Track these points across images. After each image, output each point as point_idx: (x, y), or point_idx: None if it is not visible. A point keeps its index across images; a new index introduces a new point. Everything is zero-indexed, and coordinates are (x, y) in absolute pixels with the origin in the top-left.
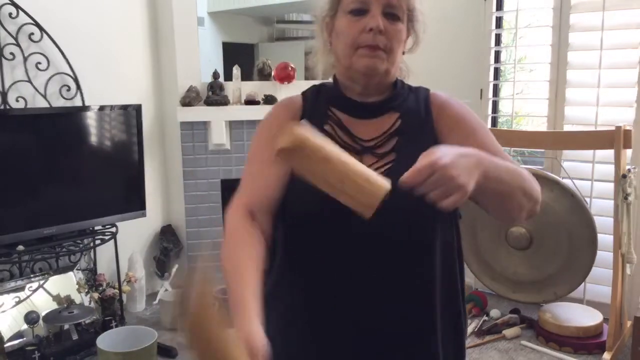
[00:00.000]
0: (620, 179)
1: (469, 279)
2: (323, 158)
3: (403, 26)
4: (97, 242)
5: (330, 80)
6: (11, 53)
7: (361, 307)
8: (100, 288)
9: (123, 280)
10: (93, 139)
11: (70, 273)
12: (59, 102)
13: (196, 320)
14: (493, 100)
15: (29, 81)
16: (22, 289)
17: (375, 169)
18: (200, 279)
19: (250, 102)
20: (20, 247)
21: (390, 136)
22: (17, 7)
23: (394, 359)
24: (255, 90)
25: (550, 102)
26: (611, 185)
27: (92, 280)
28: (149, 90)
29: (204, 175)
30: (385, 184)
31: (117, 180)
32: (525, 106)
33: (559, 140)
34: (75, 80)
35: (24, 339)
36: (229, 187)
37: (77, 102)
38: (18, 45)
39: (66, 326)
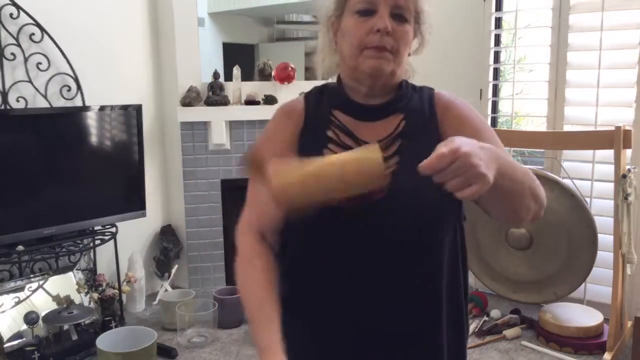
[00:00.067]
0: (620, 179)
1: (470, 279)
2: (313, 178)
3: (410, 27)
4: (97, 242)
5: (334, 80)
6: (12, 53)
7: (363, 307)
8: (100, 288)
9: (123, 281)
10: (93, 139)
11: (70, 273)
12: (59, 102)
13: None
14: (493, 101)
15: (30, 81)
16: (21, 289)
17: None
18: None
19: (251, 102)
20: (20, 247)
21: (394, 139)
22: (18, 7)
23: (396, 359)
24: (255, 91)
25: (549, 102)
26: (611, 185)
27: (91, 281)
28: (150, 91)
29: (204, 175)
30: (371, 145)
31: (117, 180)
32: (524, 106)
33: (559, 140)
34: (76, 80)
35: (24, 339)
36: (229, 187)
37: (78, 102)
38: (19, 45)
39: (66, 326)
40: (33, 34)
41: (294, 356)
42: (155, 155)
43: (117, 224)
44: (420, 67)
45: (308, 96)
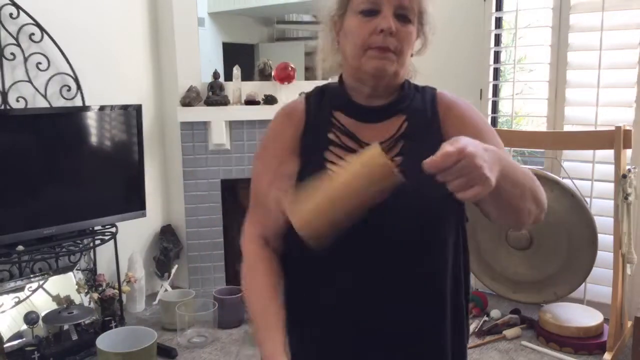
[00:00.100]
0: (621, 179)
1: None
2: (327, 203)
3: (413, 28)
4: (97, 242)
5: (335, 80)
6: (12, 53)
7: (364, 307)
8: (100, 288)
9: (123, 281)
10: (93, 139)
11: (70, 273)
12: (59, 102)
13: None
14: (493, 101)
15: (30, 81)
16: (21, 289)
17: None
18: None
19: (251, 102)
20: (20, 247)
21: (396, 140)
22: (17, 7)
23: (398, 359)
24: (255, 91)
25: (550, 102)
26: (611, 185)
27: (91, 281)
28: (149, 91)
29: (204, 175)
30: (372, 147)
31: (117, 180)
32: (525, 106)
33: (559, 140)
34: (76, 80)
35: (24, 339)
36: (229, 187)
37: (78, 102)
38: (19, 45)
39: (66, 326)
40: (33, 33)
41: (294, 356)
42: (155, 155)
43: (117, 224)
44: (420, 67)
45: (309, 97)
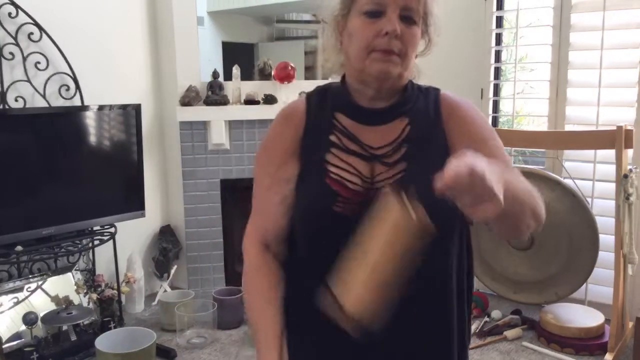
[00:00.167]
0: (622, 179)
1: None
2: (370, 280)
3: (418, 29)
4: (96, 242)
5: (337, 80)
6: (10, 53)
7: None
8: (99, 289)
9: (122, 281)
10: (92, 138)
11: (69, 274)
12: (58, 102)
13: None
14: (494, 100)
15: (28, 81)
16: (20, 289)
17: (386, 179)
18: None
19: (250, 101)
20: (19, 248)
21: (400, 144)
22: (16, 6)
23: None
24: (255, 90)
25: (551, 102)
26: (612, 185)
27: (90, 281)
28: (149, 90)
29: (204, 175)
30: (389, 199)
31: (116, 180)
32: (526, 106)
33: (560, 140)
34: (75, 80)
35: (23, 340)
36: (228, 187)
37: (77, 102)
38: (17, 45)
39: (65, 327)
40: (32, 33)
41: (294, 356)
42: (155, 155)
43: (116, 224)
44: (421, 66)
45: (310, 97)
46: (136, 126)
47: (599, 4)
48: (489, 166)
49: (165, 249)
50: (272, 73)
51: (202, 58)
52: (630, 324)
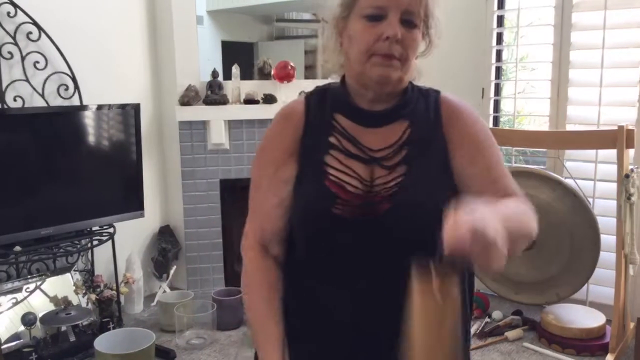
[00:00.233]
0: (623, 178)
1: None
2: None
3: (419, 32)
4: (95, 242)
5: (337, 80)
6: (9, 52)
7: (363, 314)
8: (98, 289)
9: (121, 282)
10: (91, 138)
11: (68, 274)
12: (56, 102)
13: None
14: (495, 100)
15: (27, 80)
16: (19, 290)
17: (386, 182)
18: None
19: (250, 101)
20: (17, 248)
21: (400, 147)
22: (15, 6)
23: None
24: (254, 90)
25: (552, 102)
26: (614, 185)
27: (89, 282)
28: (148, 90)
29: (203, 175)
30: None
31: (115, 180)
32: (527, 105)
33: (561, 139)
34: (73, 79)
35: (21, 340)
36: (228, 187)
37: (75, 102)
38: (16, 44)
39: (63, 328)
40: (30, 32)
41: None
42: (154, 154)
43: (115, 224)
44: (421, 66)
45: (309, 97)
46: (135, 126)
47: (600, 3)
48: (488, 214)
49: (165, 250)
50: (272, 72)
51: (202, 57)
52: (632, 325)
